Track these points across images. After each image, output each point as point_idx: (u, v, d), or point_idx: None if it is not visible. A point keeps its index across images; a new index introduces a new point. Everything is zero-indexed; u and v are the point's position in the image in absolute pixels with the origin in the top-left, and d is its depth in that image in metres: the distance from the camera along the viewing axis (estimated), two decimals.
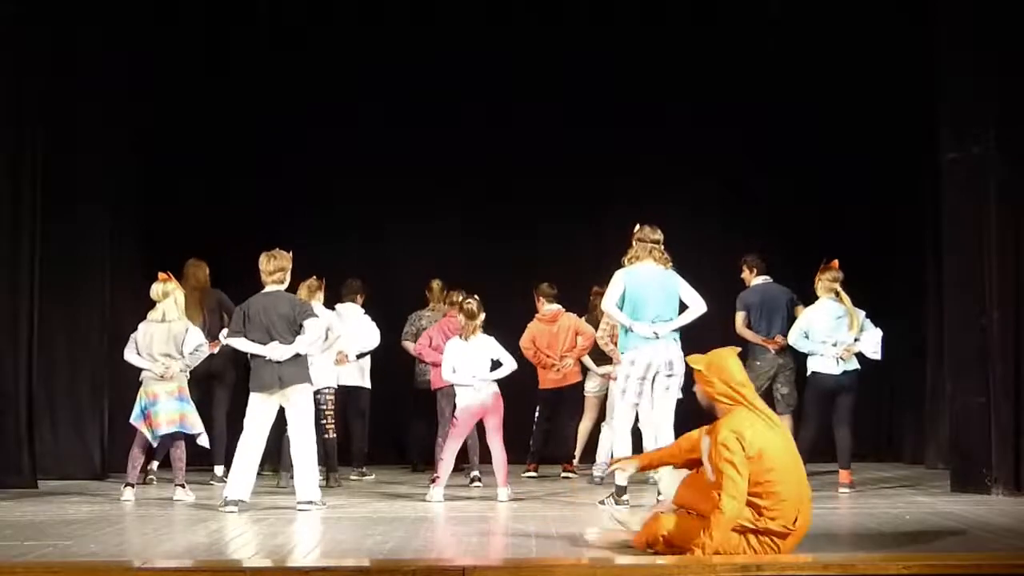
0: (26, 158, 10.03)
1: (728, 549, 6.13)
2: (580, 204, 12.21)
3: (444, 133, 12.34)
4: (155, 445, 9.39)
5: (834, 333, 9.64)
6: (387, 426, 11.87)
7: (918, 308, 11.53)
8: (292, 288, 9.49)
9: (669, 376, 8.82)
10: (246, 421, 8.68)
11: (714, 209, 12.40)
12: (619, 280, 8.91)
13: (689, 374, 9.09)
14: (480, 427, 9.64)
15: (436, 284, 11.38)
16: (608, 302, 8.93)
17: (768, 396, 10.56)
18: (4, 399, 9.93)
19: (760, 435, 6.14)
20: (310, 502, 8.53)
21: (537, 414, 11.14)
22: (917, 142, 10.98)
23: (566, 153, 12.33)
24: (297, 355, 8.64)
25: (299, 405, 8.67)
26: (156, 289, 9.43)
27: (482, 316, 9.40)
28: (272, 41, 12.07)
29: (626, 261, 8.97)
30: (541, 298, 11.11)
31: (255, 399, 8.67)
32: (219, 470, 10.49)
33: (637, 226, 9.04)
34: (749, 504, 6.15)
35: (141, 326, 9.42)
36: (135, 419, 9.33)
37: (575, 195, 12.27)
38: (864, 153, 11.96)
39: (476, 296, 9.52)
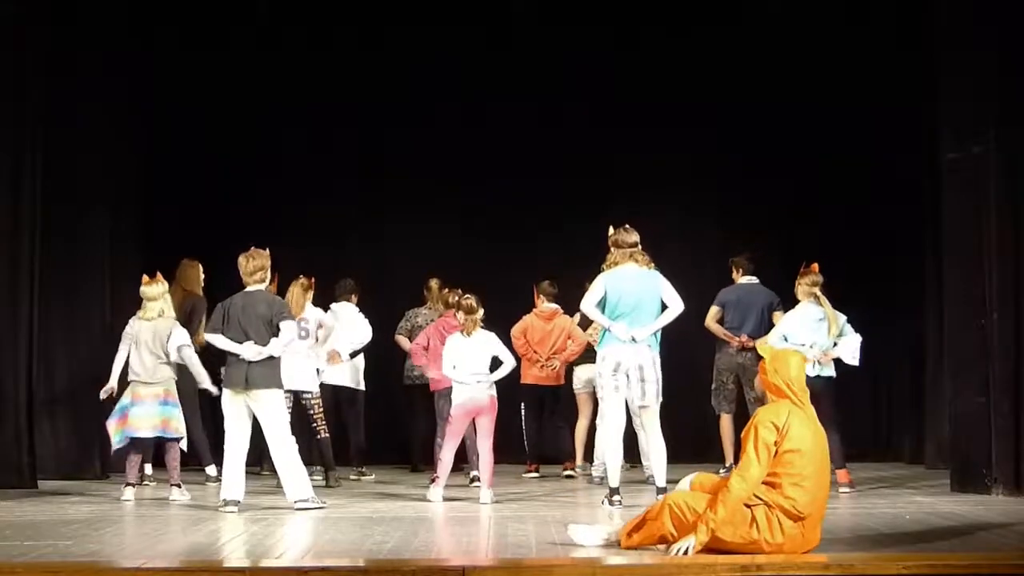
0: (26, 158, 10.03)
1: (732, 520, 6.20)
2: (579, 204, 12.18)
3: (444, 133, 12.34)
4: (115, 448, 9.36)
5: (814, 335, 9.58)
6: (386, 426, 11.86)
7: (918, 308, 11.52)
8: (284, 286, 9.47)
9: (642, 382, 8.69)
10: (225, 421, 8.72)
11: (713, 209, 12.40)
12: (599, 283, 8.78)
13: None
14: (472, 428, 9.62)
15: (434, 283, 11.36)
16: (587, 302, 8.81)
17: (740, 397, 10.58)
18: (4, 399, 9.94)
19: (795, 420, 6.34)
20: (304, 500, 8.56)
21: (523, 412, 11.16)
22: (917, 142, 10.98)
23: (566, 153, 12.32)
24: (270, 357, 8.63)
25: (267, 409, 8.64)
26: (155, 290, 9.43)
27: (481, 311, 9.38)
28: (272, 41, 12.08)
29: (605, 268, 8.84)
30: (541, 295, 11.13)
31: (225, 396, 8.71)
32: (211, 470, 10.49)
33: (611, 229, 8.91)
34: (766, 479, 6.26)
35: (133, 322, 9.41)
36: (111, 418, 9.33)
37: (575, 195, 12.25)
38: (864, 153, 11.95)
39: (471, 293, 9.49)
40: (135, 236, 11.45)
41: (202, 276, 10.78)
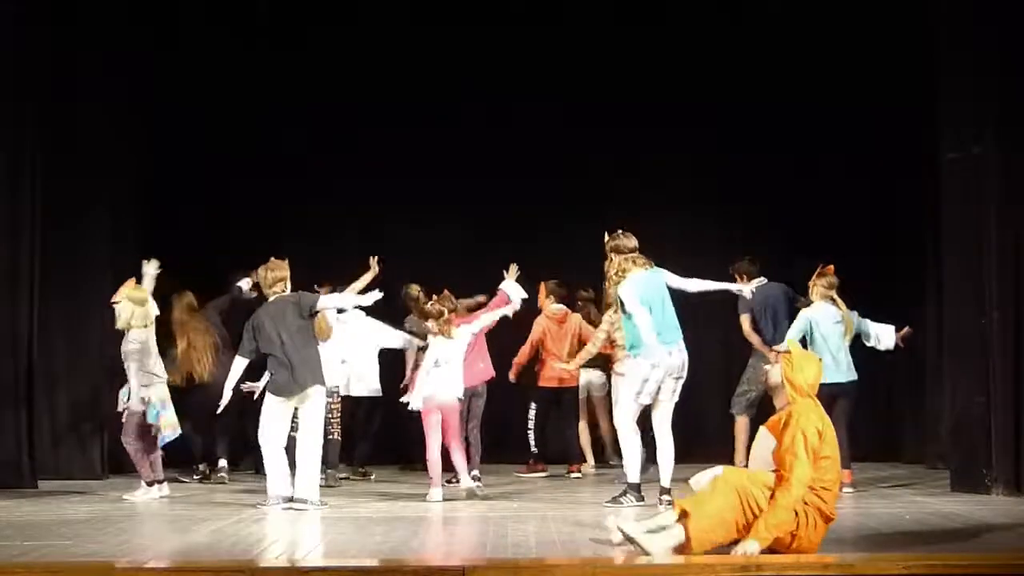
0: (26, 158, 10.04)
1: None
2: (579, 204, 12.18)
3: (444, 133, 12.33)
4: (166, 442, 9.44)
5: (831, 335, 9.59)
6: (387, 426, 11.84)
7: (918, 308, 11.50)
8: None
9: (678, 379, 8.71)
10: (265, 423, 8.75)
11: (713, 209, 12.39)
12: (634, 298, 8.52)
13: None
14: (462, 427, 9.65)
15: (415, 289, 11.15)
16: (641, 322, 8.52)
17: (761, 403, 10.55)
18: (4, 399, 9.95)
19: (825, 423, 6.48)
20: (304, 500, 8.57)
21: (533, 413, 11.15)
22: (917, 142, 10.98)
23: (566, 153, 12.32)
24: (311, 357, 8.70)
25: (312, 406, 8.76)
26: (142, 294, 9.42)
27: (446, 313, 9.38)
28: (272, 41, 12.08)
29: (614, 276, 8.71)
30: (550, 295, 11.12)
31: (271, 401, 8.74)
32: (204, 466, 10.52)
33: (606, 236, 8.83)
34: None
35: (140, 335, 9.35)
36: (153, 419, 9.34)
37: (575, 195, 12.26)
38: (863, 153, 11.95)
39: (435, 293, 9.55)
40: (135, 236, 11.44)
41: (194, 301, 10.69)
